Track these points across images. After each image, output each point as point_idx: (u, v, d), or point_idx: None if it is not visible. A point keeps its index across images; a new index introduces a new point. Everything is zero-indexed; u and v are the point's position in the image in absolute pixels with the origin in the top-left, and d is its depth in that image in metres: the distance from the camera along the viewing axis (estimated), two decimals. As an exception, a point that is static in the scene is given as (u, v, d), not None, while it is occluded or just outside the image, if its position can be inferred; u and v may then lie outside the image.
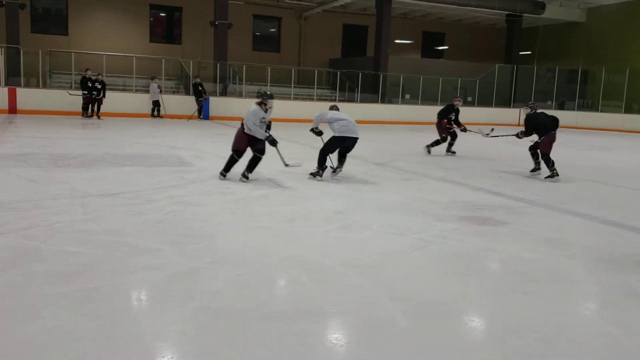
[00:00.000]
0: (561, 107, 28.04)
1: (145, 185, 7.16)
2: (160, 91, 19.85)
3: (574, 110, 27.21)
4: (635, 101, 25.96)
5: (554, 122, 9.24)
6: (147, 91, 20.25)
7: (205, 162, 9.55)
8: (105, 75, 19.26)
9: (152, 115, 19.79)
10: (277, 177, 8.26)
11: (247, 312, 3.36)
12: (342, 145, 8.30)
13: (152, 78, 20.05)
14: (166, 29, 28.67)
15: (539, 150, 9.33)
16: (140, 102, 20.22)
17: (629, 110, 26.00)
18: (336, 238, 5.13)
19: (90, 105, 18.26)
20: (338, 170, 8.49)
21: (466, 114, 25.69)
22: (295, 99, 24.35)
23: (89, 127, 15.51)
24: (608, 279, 4.29)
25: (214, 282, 3.85)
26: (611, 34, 27.93)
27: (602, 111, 26.73)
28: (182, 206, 6.11)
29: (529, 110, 9.49)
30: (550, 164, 9.05)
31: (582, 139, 19.60)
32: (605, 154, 14.55)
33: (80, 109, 18.26)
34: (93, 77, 18.07)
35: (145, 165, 9.01)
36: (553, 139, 9.23)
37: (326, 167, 8.34)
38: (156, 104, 19.78)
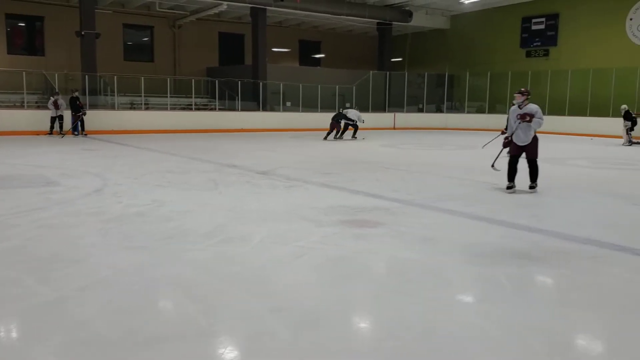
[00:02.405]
0: (439, 110, 29.74)
1: (5, 210, 6.55)
2: (58, 107, 18.67)
3: (443, 112, 28.92)
4: (497, 102, 28.08)
5: None
6: (10, 106, 18.77)
7: (73, 181, 8.94)
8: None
9: (50, 133, 18.63)
10: (155, 192, 7.91)
11: (119, 340, 3.14)
12: None
13: (54, 94, 18.83)
14: (27, 40, 26.69)
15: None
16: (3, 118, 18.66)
17: (492, 110, 28.07)
18: (216, 253, 4.98)
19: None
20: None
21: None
22: (173, 108, 23.68)
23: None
24: (479, 274, 4.53)
25: (82, 311, 3.58)
26: (473, 40, 30.04)
27: (468, 112, 28.64)
28: (46, 230, 5.65)
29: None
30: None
31: (451, 138, 20.82)
32: (472, 152, 15.54)
33: None
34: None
35: (5, 188, 8.27)
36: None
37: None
38: (55, 120, 18.56)
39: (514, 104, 8.48)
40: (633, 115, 18.37)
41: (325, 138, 19.23)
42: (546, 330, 3.37)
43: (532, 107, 8.22)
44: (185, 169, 10.77)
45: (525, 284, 4.31)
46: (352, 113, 19.79)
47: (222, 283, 4.17)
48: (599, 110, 23.00)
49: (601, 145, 18.01)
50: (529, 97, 8.33)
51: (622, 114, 18.29)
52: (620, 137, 18.62)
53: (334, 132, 19.20)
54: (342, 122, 19.35)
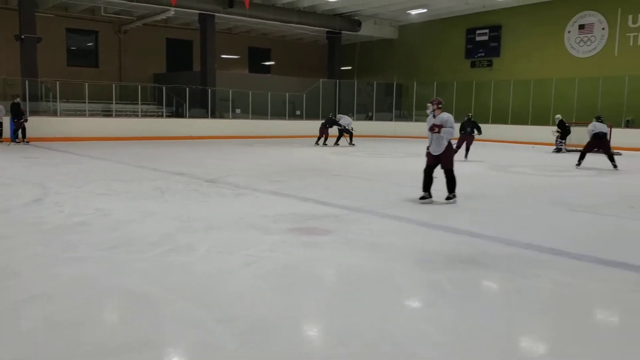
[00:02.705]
0: (400, 117, 30.17)
1: (-64, 221, 6.23)
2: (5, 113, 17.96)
3: (392, 120, 29.37)
4: (443, 111, 28.70)
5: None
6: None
7: (13, 190, 8.60)
8: None
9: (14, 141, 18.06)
10: (99, 201, 7.70)
11: (62, 354, 3.03)
12: None
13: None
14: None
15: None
16: None
17: (438, 119, 28.65)
18: (162, 263, 4.88)
19: None
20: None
21: (296, 127, 26.59)
22: (118, 115, 23.15)
23: None
24: (425, 279, 4.61)
25: (20, 325, 3.44)
26: (420, 50, 30.70)
27: (416, 121, 29.16)
28: (-19, 242, 5.41)
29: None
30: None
31: (400, 146, 21.15)
32: (419, 160, 15.80)
33: None
34: None
35: (-63, 197, 7.88)
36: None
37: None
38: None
39: (427, 113, 8.35)
40: (567, 125, 19.18)
41: (316, 143, 20.09)
42: (490, 334, 3.46)
43: (443, 117, 8.08)
44: (131, 177, 10.53)
45: (470, 289, 4.41)
46: (344, 119, 20.33)
47: (168, 293, 4.09)
48: (540, 119, 23.86)
49: (542, 153, 18.67)
50: (441, 106, 8.17)
51: (557, 122, 19.07)
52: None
53: (324, 138, 20.18)
54: (337, 128, 20.30)
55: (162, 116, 24.45)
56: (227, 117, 25.71)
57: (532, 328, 3.65)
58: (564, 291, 4.36)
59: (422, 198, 8.17)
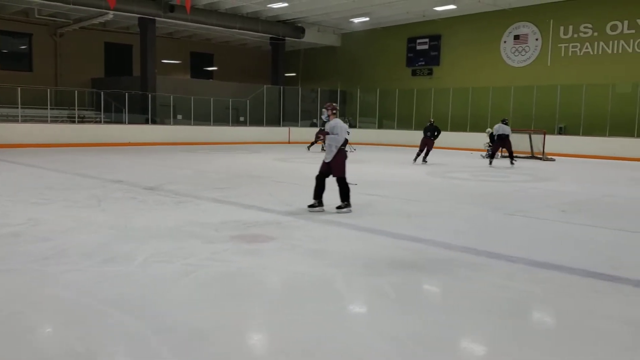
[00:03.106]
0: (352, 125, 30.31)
1: None
2: None
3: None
4: (385, 118, 29.20)
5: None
6: None
7: (-64, 199, 8.13)
8: None
9: None
10: (31, 210, 7.38)
11: (-20, 375, 2.86)
12: None
13: None
14: None
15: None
16: None
17: (381, 126, 29.14)
18: (97, 274, 4.71)
19: None
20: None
21: (239, 133, 26.38)
22: (54, 121, 22.33)
23: None
24: (366, 284, 4.63)
25: (-61, 344, 3.23)
26: (363, 57, 31.10)
27: (360, 127, 29.50)
28: None
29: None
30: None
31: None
32: (362, 166, 15.99)
33: None
34: None
35: None
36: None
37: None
38: None
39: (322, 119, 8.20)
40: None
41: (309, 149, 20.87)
42: (430, 338, 3.51)
43: (331, 123, 7.81)
44: (67, 186, 10.16)
45: (409, 293, 4.47)
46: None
47: (102, 305, 3.94)
48: (478, 126, 24.59)
49: (479, 159, 19.22)
50: (335, 111, 7.95)
51: (488, 135, 19.65)
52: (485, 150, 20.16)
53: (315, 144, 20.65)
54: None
55: (100, 122, 23.75)
56: (168, 124, 25.23)
57: (470, 330, 3.73)
58: (500, 293, 4.48)
59: (310, 206, 7.90)
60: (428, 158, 16.90)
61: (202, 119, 25.61)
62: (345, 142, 7.97)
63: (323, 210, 7.87)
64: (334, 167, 7.87)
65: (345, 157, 7.99)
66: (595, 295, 4.47)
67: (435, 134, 16.91)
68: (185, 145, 23.12)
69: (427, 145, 16.80)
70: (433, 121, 17.77)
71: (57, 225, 6.55)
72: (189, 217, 7.34)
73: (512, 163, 16.71)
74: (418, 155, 16.95)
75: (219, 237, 6.10)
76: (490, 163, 16.68)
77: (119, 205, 8.08)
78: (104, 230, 6.41)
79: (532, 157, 19.89)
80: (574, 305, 4.19)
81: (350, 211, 7.85)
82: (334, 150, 7.81)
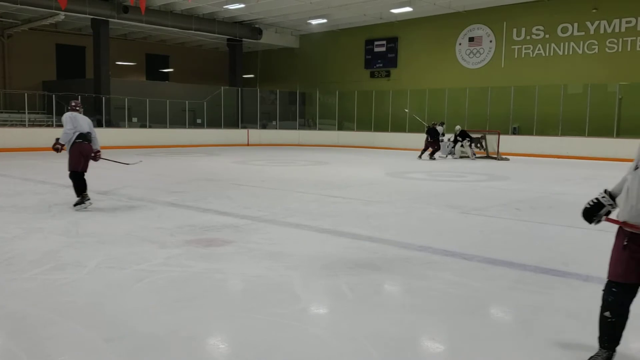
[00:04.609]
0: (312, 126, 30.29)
1: None
2: None
3: (296, 129, 29.56)
4: (345, 119, 29.34)
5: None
6: None
7: None
8: None
9: None
10: (-25, 218, 7.09)
11: None
12: None
13: None
14: None
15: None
16: None
17: (341, 127, 29.27)
18: (45, 282, 4.55)
19: None
20: None
21: (197, 136, 26.07)
22: (3, 125, 21.61)
23: None
24: (322, 286, 4.61)
25: None
26: (322, 59, 31.18)
27: (319, 129, 29.56)
28: None
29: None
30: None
31: (303, 155, 21.30)
32: (323, 168, 16.01)
33: None
34: None
35: None
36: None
37: None
38: None
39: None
40: (464, 134, 20.17)
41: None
42: (385, 337, 3.50)
43: (63, 118, 7.83)
44: (16, 191, 9.82)
45: (367, 293, 4.46)
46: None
47: (51, 314, 3.80)
48: (436, 127, 24.96)
49: (437, 160, 19.49)
50: (78, 108, 7.93)
51: (457, 132, 19.98)
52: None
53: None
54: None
55: (52, 126, 23.06)
56: (123, 127, 24.72)
57: (426, 328, 3.75)
58: (455, 291, 4.53)
59: (76, 204, 7.85)
60: (423, 155, 19.25)
61: (158, 121, 25.20)
62: (87, 135, 7.83)
63: (85, 208, 7.84)
64: (68, 160, 7.88)
65: (80, 151, 7.89)
66: (546, 290, 4.56)
67: (434, 135, 19.19)
68: (141, 148, 22.69)
69: (429, 145, 19.22)
70: (434, 123, 19.66)
71: (5, 233, 6.32)
72: (143, 221, 7.19)
73: (432, 159, 19.00)
74: (423, 152, 19.44)
75: (174, 241, 5.99)
76: (420, 157, 19.20)
77: (70, 211, 7.84)
78: (54, 236, 6.20)
79: (487, 157, 20.30)
80: (526, 301, 4.27)
81: (90, 204, 7.89)
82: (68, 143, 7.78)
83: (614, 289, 2.92)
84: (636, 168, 2.82)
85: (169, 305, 4.04)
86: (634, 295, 2.92)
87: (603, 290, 2.98)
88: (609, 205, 3.01)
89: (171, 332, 3.53)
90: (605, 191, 3.05)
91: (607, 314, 2.95)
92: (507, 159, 19.72)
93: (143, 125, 24.92)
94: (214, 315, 3.88)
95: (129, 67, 31.52)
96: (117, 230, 6.56)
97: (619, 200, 2.98)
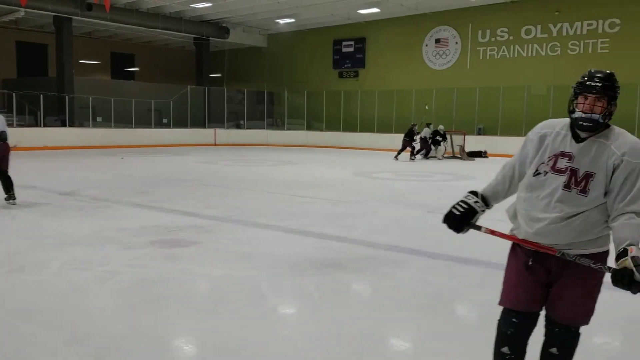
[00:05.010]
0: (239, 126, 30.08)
1: None
2: None
3: (264, 129, 29.44)
4: (314, 119, 29.35)
5: None
6: None
7: None
8: None
9: None
10: None
11: None
12: None
13: None
14: None
15: None
16: None
17: (310, 127, 29.27)
18: (5, 284, 4.43)
19: None
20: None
21: (163, 135, 25.74)
22: (-39, 125, 20.90)
23: None
24: (289, 286, 4.60)
25: None
26: (290, 59, 31.10)
27: (288, 129, 29.49)
28: None
29: None
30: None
31: (272, 154, 21.23)
32: (291, 168, 15.99)
33: None
34: None
35: None
36: None
37: None
38: None
39: None
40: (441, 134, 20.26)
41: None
42: (352, 336, 3.52)
43: None
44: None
45: (333, 292, 4.47)
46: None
47: (10, 317, 3.71)
48: (403, 127, 25.15)
49: (404, 160, 19.67)
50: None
51: (442, 133, 20.09)
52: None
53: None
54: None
55: (12, 125, 22.45)
56: (87, 126, 24.24)
57: (392, 327, 3.78)
58: (421, 289, 4.58)
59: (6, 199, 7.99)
60: (398, 156, 19.09)
61: (124, 121, 24.77)
62: (2, 134, 7.91)
63: (14, 204, 7.95)
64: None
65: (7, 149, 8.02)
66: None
67: (410, 135, 19.38)
68: (106, 148, 22.27)
69: (406, 145, 19.27)
70: (413, 124, 19.98)
71: (-39, 235, 6.13)
72: (107, 222, 7.06)
73: (412, 159, 19.22)
74: (399, 153, 19.45)
75: (138, 242, 5.90)
76: (396, 158, 19.13)
77: (32, 212, 7.66)
78: (14, 238, 6.05)
79: (453, 156, 20.56)
80: (490, 298, 4.32)
81: (14, 204, 7.96)
82: None
83: (514, 320, 2.43)
84: (537, 173, 2.36)
85: (133, 307, 3.98)
86: (534, 326, 2.45)
87: (499, 320, 2.52)
88: (482, 212, 2.60)
89: (135, 334, 3.47)
90: (476, 193, 2.60)
91: (505, 349, 2.45)
92: (472, 159, 20.02)
93: (108, 125, 24.47)
94: (180, 317, 3.84)
95: (94, 66, 30.94)
96: (80, 231, 6.43)
97: (508, 210, 2.61)
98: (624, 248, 2.10)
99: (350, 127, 27.51)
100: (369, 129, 26.53)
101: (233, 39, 30.02)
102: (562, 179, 2.28)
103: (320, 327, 3.66)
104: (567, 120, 2.35)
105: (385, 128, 26.01)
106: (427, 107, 23.86)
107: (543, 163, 2.34)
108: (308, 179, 12.68)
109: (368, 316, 3.90)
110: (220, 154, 21.24)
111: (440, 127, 20.45)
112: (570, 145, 2.30)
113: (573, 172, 2.26)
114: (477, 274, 5.01)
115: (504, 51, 24.61)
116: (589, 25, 22.39)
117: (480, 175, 14.25)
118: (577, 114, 2.25)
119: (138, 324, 3.64)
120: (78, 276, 4.68)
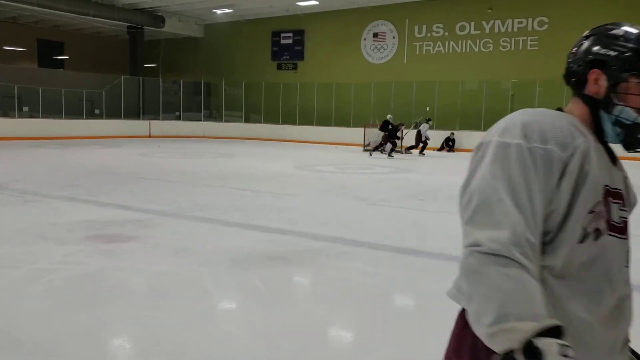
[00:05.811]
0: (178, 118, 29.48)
1: None
2: None
3: (201, 120, 28.89)
4: (253, 111, 29.05)
5: None
6: None
7: None
8: None
9: None
10: None
11: None
12: None
13: None
14: None
15: None
16: None
17: (248, 119, 28.95)
18: None
19: None
20: None
21: (95, 126, 24.80)
22: None
23: None
24: (233, 281, 4.51)
25: None
26: (227, 50, 30.59)
27: (225, 121, 29.06)
28: None
29: None
30: None
31: (209, 147, 20.87)
32: (231, 160, 15.76)
33: None
34: None
35: None
36: None
37: None
38: None
39: None
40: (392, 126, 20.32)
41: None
42: (297, 330, 3.48)
43: None
44: None
45: (278, 286, 4.42)
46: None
47: None
48: (342, 120, 25.33)
49: (344, 153, 19.81)
50: None
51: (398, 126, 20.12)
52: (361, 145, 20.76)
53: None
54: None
55: None
56: (13, 116, 23.01)
57: (337, 318, 3.76)
58: (366, 280, 4.59)
59: None
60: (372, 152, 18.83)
61: (53, 111, 23.68)
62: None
63: None
64: None
65: None
66: (451, 276, 4.72)
67: (393, 132, 18.72)
68: (34, 140, 21.23)
69: (387, 141, 18.63)
70: (388, 117, 19.24)
71: None
72: (38, 217, 6.71)
73: (390, 156, 18.29)
74: (376, 149, 18.95)
75: (72, 238, 5.63)
76: (370, 154, 18.66)
77: (-48, 207, 7.18)
78: None
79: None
80: (431, 287, 4.40)
81: None
82: None
83: None
84: (584, 237, 1.15)
85: (68, 306, 3.78)
86: None
87: None
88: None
89: (71, 335, 3.30)
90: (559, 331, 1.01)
91: None
92: (411, 153, 20.36)
93: (35, 115, 23.32)
94: (118, 316, 3.68)
95: (19, 53, 29.39)
96: (9, 227, 6.08)
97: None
98: None
99: (289, 120, 27.42)
100: (309, 122, 26.53)
101: (169, 28, 29.23)
102: (625, 245, 1.23)
103: (266, 322, 3.60)
104: (575, 114, 1.24)
105: (324, 121, 26.07)
106: (427, 109, 23.88)
107: (593, 212, 1.15)
108: (248, 172, 12.53)
109: (314, 309, 3.87)
110: (155, 146, 20.68)
111: (389, 116, 20.52)
112: (613, 173, 1.22)
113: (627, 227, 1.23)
114: (420, 265, 5.08)
115: (439, 46, 25.13)
116: (519, 23, 23.19)
117: (418, 168, 14.52)
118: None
119: (74, 325, 3.46)
120: (7, 275, 4.42)
